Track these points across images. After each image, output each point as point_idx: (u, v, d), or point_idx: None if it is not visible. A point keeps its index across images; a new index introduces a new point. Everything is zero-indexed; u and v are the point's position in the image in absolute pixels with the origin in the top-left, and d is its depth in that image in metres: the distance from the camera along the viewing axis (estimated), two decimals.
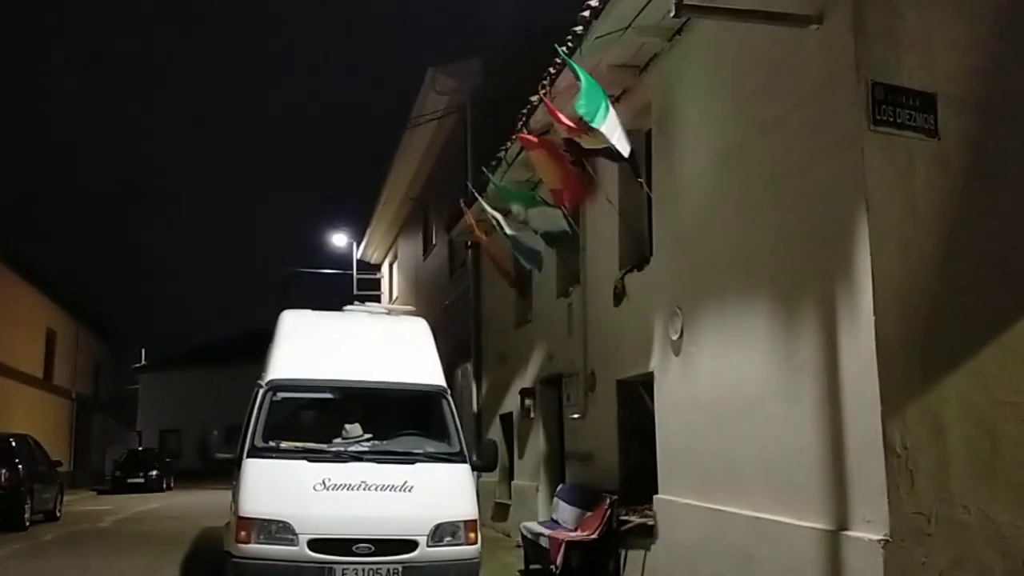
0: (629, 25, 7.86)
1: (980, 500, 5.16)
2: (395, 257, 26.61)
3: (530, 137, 10.13)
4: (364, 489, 7.45)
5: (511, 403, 13.85)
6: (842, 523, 5.39)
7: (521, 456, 13.64)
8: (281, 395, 8.35)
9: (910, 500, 5.02)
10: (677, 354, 7.85)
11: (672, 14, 6.29)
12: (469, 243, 16.00)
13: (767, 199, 6.46)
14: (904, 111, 5.37)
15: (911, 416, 5.11)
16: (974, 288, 5.38)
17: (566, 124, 8.34)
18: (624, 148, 7.82)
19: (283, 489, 7.45)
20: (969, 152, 5.49)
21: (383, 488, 7.48)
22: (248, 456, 7.77)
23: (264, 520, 7.19)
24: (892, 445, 5.04)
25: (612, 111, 7.74)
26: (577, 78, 7.70)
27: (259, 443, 7.88)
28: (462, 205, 13.82)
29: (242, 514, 7.29)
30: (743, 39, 6.75)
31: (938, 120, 5.43)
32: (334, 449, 7.92)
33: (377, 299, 26.05)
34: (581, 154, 9.01)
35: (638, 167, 8.33)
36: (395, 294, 26.09)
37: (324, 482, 7.44)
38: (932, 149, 5.43)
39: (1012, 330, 5.39)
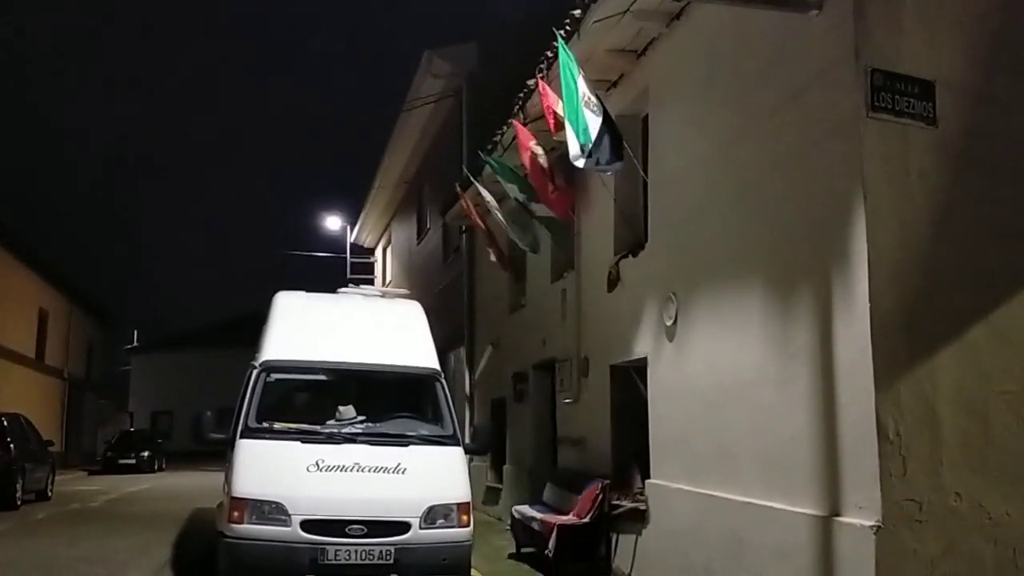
0: (628, 9, 7.83)
1: (972, 488, 5.18)
2: (389, 241, 26.57)
3: (523, 130, 10.12)
4: (357, 471, 7.46)
5: (504, 387, 13.87)
6: (834, 509, 5.41)
7: (513, 440, 13.67)
8: (275, 376, 8.35)
9: (902, 487, 5.04)
10: (671, 339, 7.86)
11: None
12: (464, 227, 15.98)
13: (764, 185, 6.45)
14: (903, 98, 5.36)
15: (905, 403, 5.12)
16: (970, 276, 5.38)
17: (552, 113, 8.43)
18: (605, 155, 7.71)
19: (276, 470, 7.46)
20: (967, 140, 5.48)
21: (376, 470, 7.49)
22: (241, 437, 7.77)
23: (257, 500, 7.20)
24: (885, 431, 5.06)
25: (596, 117, 7.59)
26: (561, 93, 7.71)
27: (252, 424, 7.88)
28: (458, 189, 13.79)
29: (235, 494, 7.29)
30: (742, 25, 6.72)
31: (936, 107, 5.42)
32: (328, 430, 7.92)
33: (371, 282, 26.02)
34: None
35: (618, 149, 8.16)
36: (389, 278, 26.06)
37: (317, 463, 7.44)
38: (930, 136, 5.42)
39: (1007, 319, 5.40)
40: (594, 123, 7.51)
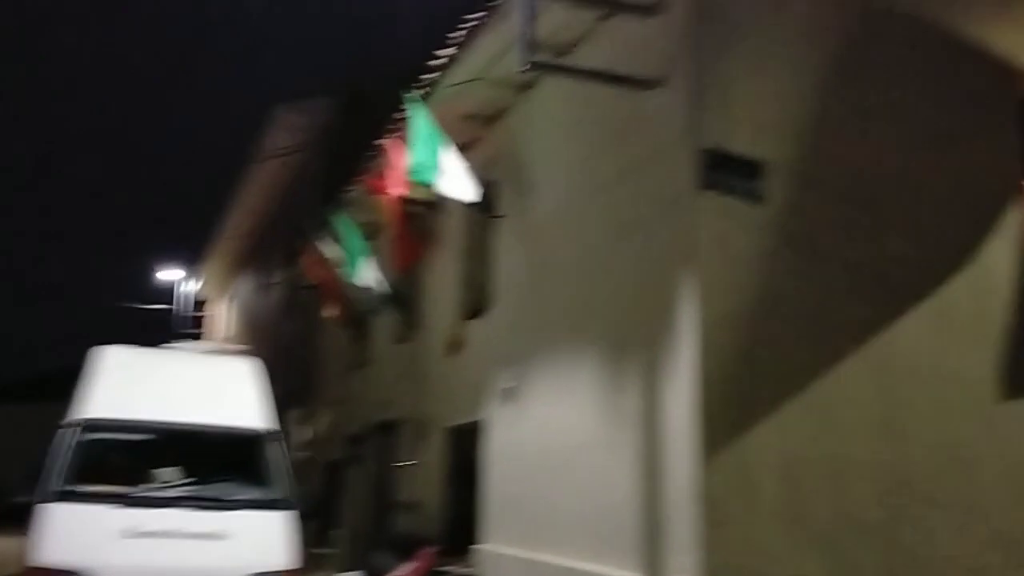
0: (481, 77, 7.99)
1: (788, 550, 5.38)
2: (232, 294, 25.67)
3: (378, 183, 10.07)
4: (175, 537, 7.00)
5: (342, 449, 13.48)
6: (657, 573, 5.48)
7: (349, 504, 13.24)
8: (90, 435, 7.75)
9: (722, 551, 5.18)
10: (508, 402, 7.87)
11: (523, 70, 6.47)
12: (307, 284, 15.62)
13: (602, 255, 6.64)
14: (733, 177, 5.65)
15: (726, 468, 5.30)
16: (786, 348, 5.67)
17: (399, 176, 8.54)
18: (467, 193, 7.92)
19: (84, 536, 6.90)
20: (791, 218, 5.83)
21: (196, 536, 7.06)
22: (46, 500, 7.15)
23: (59, 571, 6.63)
24: (707, 495, 5.21)
25: (451, 159, 7.83)
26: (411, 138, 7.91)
27: (61, 486, 7.27)
28: (303, 245, 13.52)
29: (34, 563, 6.69)
30: (589, 98, 6.96)
31: (764, 187, 5.74)
32: (145, 494, 7.41)
33: (208, 337, 24.98)
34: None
35: (489, 206, 8.42)
36: (231, 332, 25.09)
37: (132, 529, 6.94)
38: (757, 214, 5.73)
39: (815, 389, 5.68)
40: (461, 170, 7.85)
